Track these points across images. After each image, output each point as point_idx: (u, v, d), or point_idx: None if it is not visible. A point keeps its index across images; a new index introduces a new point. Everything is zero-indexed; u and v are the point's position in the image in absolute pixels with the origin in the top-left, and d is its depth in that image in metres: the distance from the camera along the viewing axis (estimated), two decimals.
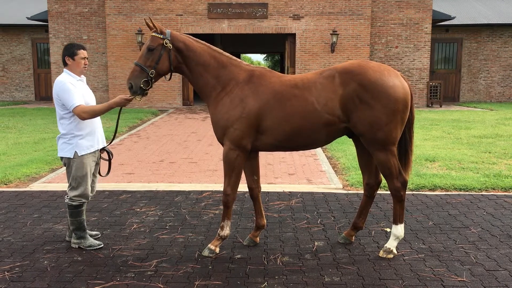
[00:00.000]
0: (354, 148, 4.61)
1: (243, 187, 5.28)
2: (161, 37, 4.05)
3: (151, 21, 4.08)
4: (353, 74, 3.92)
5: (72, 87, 4.19)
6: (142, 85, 4.03)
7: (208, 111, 4.28)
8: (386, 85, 3.87)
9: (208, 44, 4.25)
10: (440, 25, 19.66)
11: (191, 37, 4.26)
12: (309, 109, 3.94)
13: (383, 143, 3.94)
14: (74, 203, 4.31)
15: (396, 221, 4.14)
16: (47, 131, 11.58)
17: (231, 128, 4.03)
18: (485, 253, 4.24)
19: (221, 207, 4.97)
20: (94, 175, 4.51)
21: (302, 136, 4.03)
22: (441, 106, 18.10)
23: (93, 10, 18.39)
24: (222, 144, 4.17)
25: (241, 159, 4.10)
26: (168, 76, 4.24)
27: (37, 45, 20.72)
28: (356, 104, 3.90)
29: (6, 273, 3.84)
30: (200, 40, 4.25)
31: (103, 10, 18.08)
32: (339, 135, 4.13)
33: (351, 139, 4.35)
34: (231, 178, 4.13)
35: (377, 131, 3.90)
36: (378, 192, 5.97)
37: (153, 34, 4.06)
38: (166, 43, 4.06)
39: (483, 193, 6.25)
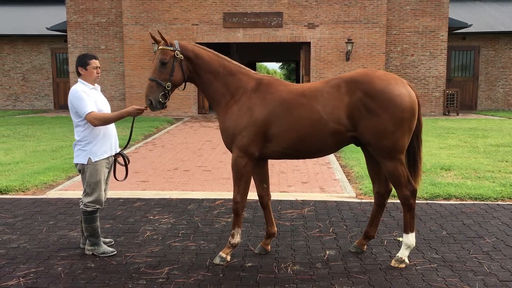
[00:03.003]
0: None
1: (255, 195, 5.29)
2: (171, 49, 4.11)
3: (160, 34, 4.13)
4: (359, 83, 3.93)
5: (85, 95, 4.29)
6: (160, 99, 4.09)
7: (218, 119, 4.33)
8: (393, 94, 3.88)
9: (216, 53, 4.31)
10: (457, 33, 19.51)
11: (199, 45, 4.33)
12: (315, 117, 3.96)
13: (390, 152, 3.93)
14: (88, 209, 4.39)
15: (407, 230, 4.12)
16: (64, 139, 11.77)
17: (239, 136, 4.07)
18: (499, 264, 4.19)
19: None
20: (106, 182, 4.57)
21: (309, 144, 4.05)
22: (458, 114, 17.91)
23: (111, 21, 18.69)
24: (231, 152, 4.22)
25: (250, 167, 4.13)
26: (182, 86, 4.31)
27: (56, 55, 21.13)
28: (362, 113, 3.91)
29: (21, 279, 3.91)
30: (208, 49, 4.32)
31: (121, 20, 18.37)
32: (346, 144, 4.14)
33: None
34: (240, 185, 4.17)
35: (384, 140, 3.90)
36: (391, 200, 5.96)
37: (163, 47, 4.11)
38: (177, 54, 4.12)
39: (499, 202, 6.17)
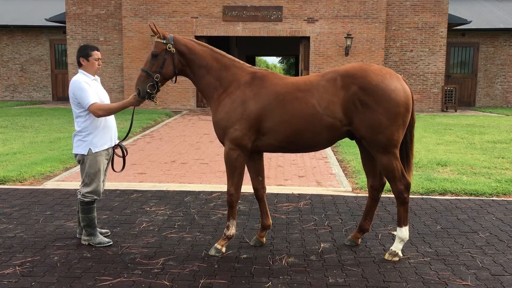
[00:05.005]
0: None
1: (251, 188, 5.32)
2: (164, 42, 4.14)
3: (155, 26, 4.16)
4: (354, 78, 3.95)
5: (87, 86, 4.31)
6: (148, 90, 4.12)
7: (211, 112, 4.34)
8: (388, 89, 3.90)
9: (211, 47, 4.31)
10: (456, 29, 19.50)
11: (194, 40, 4.34)
12: (310, 111, 3.98)
13: (385, 146, 3.96)
14: (86, 200, 4.42)
15: (401, 224, 4.16)
16: (62, 130, 11.77)
17: (231, 129, 4.09)
18: (492, 258, 4.23)
19: None
20: (104, 173, 4.60)
21: (304, 138, 4.07)
22: (456, 111, 17.94)
23: (110, 12, 18.64)
24: (223, 144, 4.24)
25: (242, 159, 4.16)
26: (174, 79, 4.32)
27: (55, 46, 21.07)
28: (357, 107, 3.93)
29: (17, 268, 3.94)
30: (202, 43, 4.32)
31: (120, 12, 18.31)
32: (341, 137, 4.16)
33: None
34: (234, 178, 4.19)
35: (379, 134, 3.92)
36: (386, 195, 6.00)
37: (157, 39, 4.15)
38: (169, 48, 4.14)
39: (494, 198, 6.20)
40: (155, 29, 4.15)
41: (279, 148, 4.22)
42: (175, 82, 4.44)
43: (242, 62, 4.33)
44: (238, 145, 4.10)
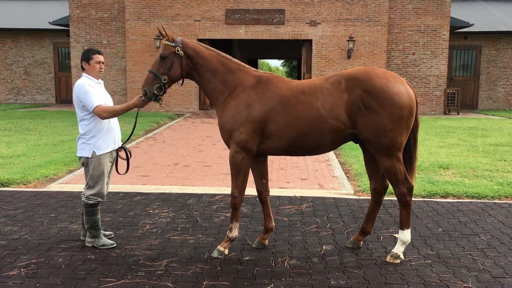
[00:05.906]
0: None
1: (254, 191, 5.36)
2: (173, 45, 4.19)
3: (164, 29, 4.23)
4: (359, 81, 3.98)
5: (91, 89, 4.37)
6: (155, 91, 4.17)
7: (216, 115, 4.40)
8: (392, 92, 3.93)
9: (217, 51, 4.36)
10: (459, 32, 19.52)
11: (202, 44, 4.39)
12: (314, 114, 4.02)
13: (388, 149, 3.99)
14: (90, 202, 4.46)
15: (403, 227, 4.18)
16: (66, 133, 11.83)
17: (236, 132, 4.13)
18: (493, 260, 4.25)
19: None
20: (108, 175, 4.64)
21: (308, 141, 4.10)
22: (458, 114, 17.94)
23: (113, 16, 18.72)
24: (229, 147, 4.28)
25: (247, 161, 4.20)
26: (180, 82, 4.38)
27: (58, 49, 21.17)
28: (361, 110, 3.96)
29: (22, 270, 3.98)
30: (209, 47, 4.37)
31: (123, 15, 18.40)
32: (345, 141, 4.20)
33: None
34: (238, 180, 4.23)
35: (382, 137, 3.95)
36: (388, 198, 6.02)
37: (166, 42, 4.20)
38: (178, 51, 4.19)
39: (496, 201, 6.22)
40: (164, 32, 4.21)
41: (283, 151, 4.26)
42: (181, 85, 4.50)
43: (247, 66, 4.38)
44: (243, 148, 4.14)
